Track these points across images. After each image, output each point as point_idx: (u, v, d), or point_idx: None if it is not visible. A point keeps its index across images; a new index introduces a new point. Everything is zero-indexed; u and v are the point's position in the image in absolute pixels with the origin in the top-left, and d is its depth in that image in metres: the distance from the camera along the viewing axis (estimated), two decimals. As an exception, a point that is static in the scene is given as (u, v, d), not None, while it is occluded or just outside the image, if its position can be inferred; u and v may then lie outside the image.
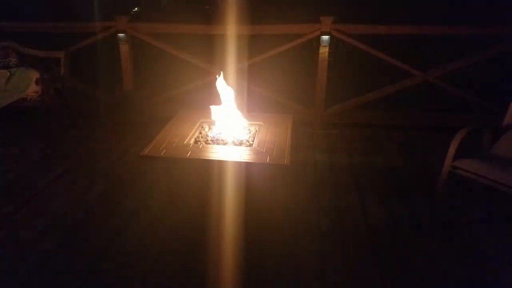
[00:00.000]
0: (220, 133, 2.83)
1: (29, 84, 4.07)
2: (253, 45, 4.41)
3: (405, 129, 4.35)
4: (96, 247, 2.48)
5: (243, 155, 2.51)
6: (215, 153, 2.54)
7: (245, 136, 2.82)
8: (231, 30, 3.88)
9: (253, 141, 2.77)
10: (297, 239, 2.53)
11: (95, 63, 4.68)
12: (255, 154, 2.51)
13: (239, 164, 2.44)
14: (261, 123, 2.99)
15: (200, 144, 2.71)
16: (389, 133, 4.30)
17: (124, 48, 4.50)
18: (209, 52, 4.45)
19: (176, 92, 4.64)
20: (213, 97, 4.40)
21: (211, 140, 2.76)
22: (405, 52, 4.30)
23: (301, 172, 3.32)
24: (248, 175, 2.48)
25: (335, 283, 2.22)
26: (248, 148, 2.63)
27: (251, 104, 4.26)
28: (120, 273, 2.27)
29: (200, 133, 2.89)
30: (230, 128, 2.84)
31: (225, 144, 2.71)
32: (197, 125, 2.98)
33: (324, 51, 4.16)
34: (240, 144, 2.72)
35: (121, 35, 4.46)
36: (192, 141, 2.74)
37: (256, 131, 2.91)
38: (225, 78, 2.90)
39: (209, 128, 2.96)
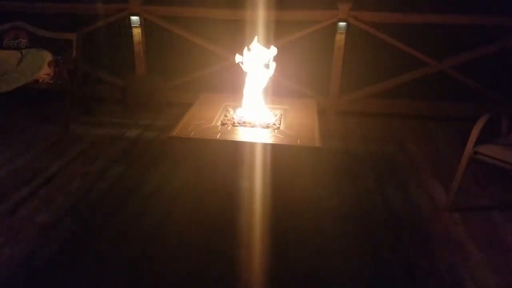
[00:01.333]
0: (246, 116, 2.81)
1: (41, 66, 3.99)
2: (268, 32, 4.37)
3: (418, 117, 4.36)
4: (116, 229, 2.46)
5: (272, 137, 2.49)
6: (244, 135, 2.52)
7: (271, 119, 2.80)
8: (250, 15, 3.85)
9: (279, 124, 2.76)
10: (319, 222, 2.54)
11: (108, 46, 4.62)
12: (284, 137, 2.50)
13: (269, 146, 2.43)
14: (286, 107, 2.98)
15: (228, 126, 2.69)
16: (404, 121, 4.32)
17: (136, 31, 4.44)
18: (225, 37, 4.42)
19: (191, 77, 4.60)
20: (231, 82, 4.41)
21: (237, 123, 2.75)
22: (418, 41, 4.29)
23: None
24: (277, 157, 2.48)
25: (358, 265, 2.24)
26: (276, 131, 2.62)
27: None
28: (142, 255, 2.26)
29: (226, 116, 2.88)
30: (256, 111, 2.83)
31: (252, 126, 2.70)
32: (221, 108, 2.95)
33: (340, 38, 4.14)
34: (267, 127, 2.70)
35: (134, 17, 4.39)
36: (219, 123, 2.72)
37: (282, 114, 2.90)
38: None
39: (234, 111, 2.95)
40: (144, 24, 4.44)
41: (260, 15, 4.03)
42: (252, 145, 2.43)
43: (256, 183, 2.51)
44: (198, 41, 4.45)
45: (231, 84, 4.51)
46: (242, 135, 2.52)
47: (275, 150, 2.45)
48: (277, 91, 4.27)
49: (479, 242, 2.46)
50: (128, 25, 4.44)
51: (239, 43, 4.32)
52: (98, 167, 3.21)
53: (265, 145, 2.43)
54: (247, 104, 2.87)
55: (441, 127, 4.21)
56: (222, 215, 2.51)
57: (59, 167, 3.20)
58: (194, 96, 4.43)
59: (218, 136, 2.49)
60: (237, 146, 2.46)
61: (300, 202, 2.67)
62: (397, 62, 4.36)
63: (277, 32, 4.30)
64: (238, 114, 2.87)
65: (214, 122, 2.71)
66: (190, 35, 4.45)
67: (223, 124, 2.72)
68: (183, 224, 2.49)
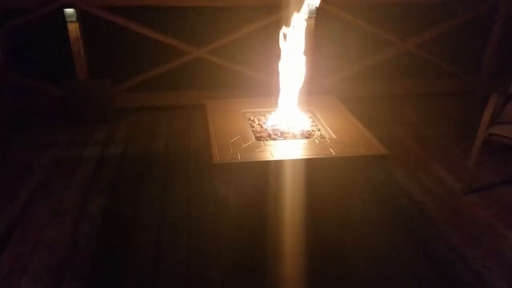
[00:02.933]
0: (278, 125, 2.43)
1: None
2: (230, 20, 3.95)
3: (392, 98, 4.38)
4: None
5: (329, 148, 2.16)
6: (296, 150, 2.15)
7: (307, 125, 2.46)
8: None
9: (319, 130, 2.43)
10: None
11: (39, 48, 3.75)
12: (341, 147, 2.19)
13: (333, 159, 2.11)
14: (311, 107, 2.66)
15: (266, 140, 2.29)
16: (380, 102, 4.30)
17: (73, 27, 3.66)
18: (182, 28, 3.89)
19: (146, 77, 3.97)
20: (197, 79, 3.91)
21: (274, 135, 2.35)
22: (381, 21, 4.24)
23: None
24: (339, 171, 2.18)
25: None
26: (323, 139, 2.29)
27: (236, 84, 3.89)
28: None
29: (253, 127, 2.45)
30: (287, 117, 2.46)
31: (294, 137, 2.33)
32: (242, 118, 2.52)
33: (311, 22, 3.89)
34: (310, 135, 2.36)
35: (68, 10, 3.60)
36: (253, 138, 2.30)
37: (312, 117, 2.57)
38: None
39: (258, 120, 2.54)
40: (81, 17, 3.67)
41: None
42: (313, 161, 2.08)
43: (317, 199, 2.19)
44: (151, 34, 3.82)
45: (199, 82, 4.03)
46: (293, 151, 2.14)
47: (336, 164, 2.14)
48: (246, 86, 3.93)
49: (506, 222, 2.53)
50: (63, 20, 3.63)
51: (200, 34, 3.85)
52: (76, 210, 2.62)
53: (329, 159, 2.10)
54: (276, 109, 2.49)
55: (414, 105, 4.28)
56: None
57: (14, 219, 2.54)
58: (152, 98, 3.87)
59: (272, 157, 2.08)
60: (296, 164, 2.09)
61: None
62: (367, 45, 4.28)
63: (242, 19, 3.91)
64: (267, 123, 2.47)
65: (247, 137, 2.28)
66: (141, 28, 3.80)
67: (258, 138, 2.31)
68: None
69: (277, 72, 2.42)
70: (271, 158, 2.07)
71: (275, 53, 2.34)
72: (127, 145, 3.42)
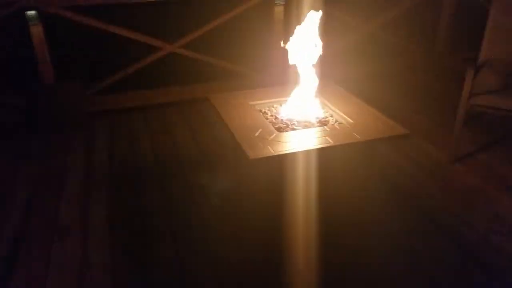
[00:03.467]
0: (292, 115, 2.46)
1: None
2: (202, 11, 3.88)
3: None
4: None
5: (354, 133, 2.24)
6: (322, 138, 2.20)
7: (319, 112, 2.51)
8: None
9: (331, 116, 2.50)
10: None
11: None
12: (364, 130, 2.27)
13: (362, 144, 2.18)
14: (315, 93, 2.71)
15: (287, 131, 2.31)
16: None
17: (36, 30, 3.38)
18: (151, 23, 3.75)
19: (119, 76, 3.78)
20: (174, 74, 3.77)
21: (292, 124, 2.38)
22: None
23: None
24: (365, 154, 2.26)
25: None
26: (341, 124, 2.36)
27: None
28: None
29: (267, 118, 2.46)
30: (296, 106, 2.49)
31: (312, 126, 2.38)
32: (253, 110, 2.51)
33: (279, 11, 3.91)
34: (326, 122, 2.42)
35: (30, 12, 3.32)
36: (274, 130, 2.31)
37: (321, 103, 2.63)
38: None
39: (270, 111, 2.54)
40: (45, 19, 3.40)
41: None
42: (344, 146, 2.14)
43: (345, 185, 2.26)
44: (120, 32, 3.64)
45: (175, 78, 3.91)
46: (319, 139, 2.19)
47: (363, 147, 2.22)
48: (218, 76, 3.87)
49: (496, 185, 2.72)
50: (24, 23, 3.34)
51: (170, 27, 3.73)
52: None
53: (356, 143, 2.17)
54: (284, 99, 2.52)
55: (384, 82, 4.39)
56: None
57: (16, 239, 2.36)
58: (129, 98, 3.66)
59: (304, 147, 2.11)
60: (328, 151, 2.13)
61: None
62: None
63: (211, 11, 3.85)
64: (281, 113, 2.49)
65: (269, 129, 2.29)
66: (109, 26, 3.61)
67: (279, 129, 2.32)
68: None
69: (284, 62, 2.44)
70: (304, 148, 2.09)
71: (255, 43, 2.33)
72: (111, 150, 3.25)
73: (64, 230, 2.40)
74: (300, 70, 2.47)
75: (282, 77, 3.92)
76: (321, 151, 2.09)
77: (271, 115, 2.48)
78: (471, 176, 2.87)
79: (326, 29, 4.21)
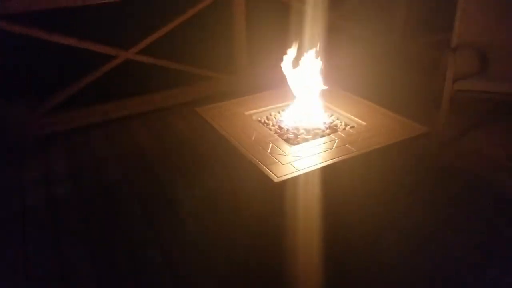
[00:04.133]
0: (295, 123, 2.21)
1: None
2: (157, 14, 3.49)
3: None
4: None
5: (374, 138, 2.04)
6: (343, 147, 1.98)
7: (323, 116, 2.29)
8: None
9: (337, 119, 2.28)
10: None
11: None
12: (382, 134, 2.08)
13: (386, 148, 1.99)
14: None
15: (298, 142, 2.06)
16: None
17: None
18: (101, 28, 3.31)
19: (72, 91, 3.30)
20: (130, 86, 3.34)
21: (301, 134, 2.13)
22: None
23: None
24: (391, 159, 2.08)
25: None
26: (354, 128, 2.16)
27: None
28: None
29: (270, 129, 2.19)
30: (298, 113, 2.25)
31: (323, 133, 2.15)
32: (251, 121, 2.23)
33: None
34: (336, 130, 2.20)
35: (-46, 24, 2.76)
36: (284, 143, 2.05)
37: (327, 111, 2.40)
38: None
39: (271, 120, 2.28)
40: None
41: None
42: (371, 153, 1.94)
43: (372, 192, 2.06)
44: (67, 41, 3.16)
45: (138, 86, 3.49)
46: (340, 148, 1.97)
47: (388, 151, 2.03)
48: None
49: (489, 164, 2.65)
50: None
51: (123, 33, 3.32)
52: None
53: (380, 149, 1.97)
54: (280, 106, 2.27)
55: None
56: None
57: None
58: (85, 115, 3.17)
59: (327, 159, 1.88)
60: (351, 162, 1.92)
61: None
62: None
63: (164, 11, 3.49)
64: (283, 122, 2.23)
65: (281, 143, 2.03)
66: (53, 35, 3.11)
67: (289, 142, 2.07)
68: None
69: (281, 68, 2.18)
70: (329, 161, 1.86)
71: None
72: (74, 178, 2.78)
73: (43, 281, 1.96)
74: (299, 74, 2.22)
75: (265, 81, 3.65)
76: (344, 163, 1.86)
77: (273, 125, 2.22)
78: (464, 159, 2.75)
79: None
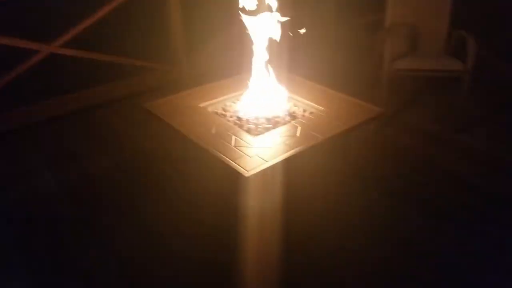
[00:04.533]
0: (253, 113, 2.14)
1: None
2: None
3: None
4: None
5: (332, 122, 2.03)
6: (308, 133, 1.95)
7: (283, 105, 2.23)
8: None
9: (295, 106, 2.25)
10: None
11: None
12: (343, 117, 2.07)
13: (348, 131, 1.99)
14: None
15: (260, 132, 1.99)
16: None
17: None
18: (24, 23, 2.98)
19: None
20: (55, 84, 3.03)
21: (262, 123, 2.07)
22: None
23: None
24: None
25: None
26: (313, 114, 2.13)
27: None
28: None
29: (228, 121, 2.09)
30: (253, 102, 2.18)
31: (284, 120, 2.10)
32: (209, 114, 2.13)
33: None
34: (296, 116, 2.15)
35: None
36: (247, 135, 1.97)
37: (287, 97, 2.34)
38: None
39: (229, 111, 2.18)
40: None
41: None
42: (337, 136, 1.93)
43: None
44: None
45: (68, 82, 3.19)
46: (305, 135, 1.93)
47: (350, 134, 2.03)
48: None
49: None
50: None
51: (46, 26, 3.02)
52: None
53: (344, 131, 1.97)
54: (235, 95, 2.18)
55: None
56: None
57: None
58: (8, 117, 2.79)
59: (295, 148, 1.83)
60: (323, 144, 1.89)
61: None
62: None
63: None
64: (243, 113, 2.14)
65: (243, 135, 1.95)
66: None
67: (251, 132, 1.99)
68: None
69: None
70: (299, 148, 1.81)
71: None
72: (4, 192, 2.45)
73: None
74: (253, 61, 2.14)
75: (206, 69, 3.51)
76: (312, 149, 1.83)
77: (231, 116, 2.12)
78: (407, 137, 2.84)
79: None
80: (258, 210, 1.77)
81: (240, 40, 2.25)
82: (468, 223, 2.00)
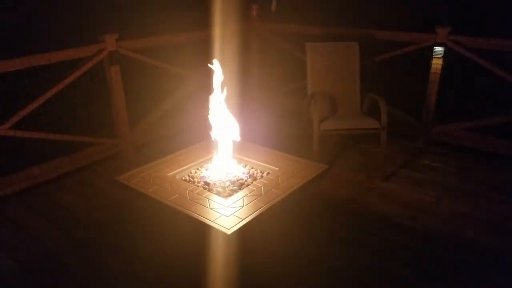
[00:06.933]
0: (218, 176, 2.41)
1: None
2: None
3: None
4: None
5: (288, 180, 2.36)
6: (270, 191, 2.25)
7: (242, 168, 2.53)
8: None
9: (252, 168, 2.56)
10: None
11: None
12: (297, 175, 2.41)
13: (305, 186, 2.33)
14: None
15: (229, 194, 2.26)
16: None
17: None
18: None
19: None
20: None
21: (228, 186, 2.34)
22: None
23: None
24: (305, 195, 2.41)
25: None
26: (270, 174, 2.45)
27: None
28: None
29: (197, 186, 2.33)
30: (216, 167, 2.47)
31: (246, 182, 2.39)
32: (178, 181, 2.35)
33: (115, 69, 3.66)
34: (256, 177, 2.45)
35: None
36: (220, 197, 2.23)
37: (244, 165, 2.63)
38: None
39: (194, 178, 2.42)
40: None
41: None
42: (299, 190, 2.25)
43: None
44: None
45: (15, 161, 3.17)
46: (269, 193, 2.23)
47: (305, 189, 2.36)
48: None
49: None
50: None
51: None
52: None
53: (301, 187, 2.30)
54: (196, 162, 2.45)
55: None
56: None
57: None
58: None
59: (267, 205, 2.12)
60: (287, 200, 2.20)
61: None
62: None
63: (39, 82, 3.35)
64: (210, 178, 2.40)
65: (215, 198, 2.21)
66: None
67: (220, 195, 2.25)
68: None
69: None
70: (267, 205, 2.10)
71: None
72: None
73: None
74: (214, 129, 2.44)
75: (146, 140, 3.70)
76: (279, 204, 2.13)
77: (198, 182, 2.37)
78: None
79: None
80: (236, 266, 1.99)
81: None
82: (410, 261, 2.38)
